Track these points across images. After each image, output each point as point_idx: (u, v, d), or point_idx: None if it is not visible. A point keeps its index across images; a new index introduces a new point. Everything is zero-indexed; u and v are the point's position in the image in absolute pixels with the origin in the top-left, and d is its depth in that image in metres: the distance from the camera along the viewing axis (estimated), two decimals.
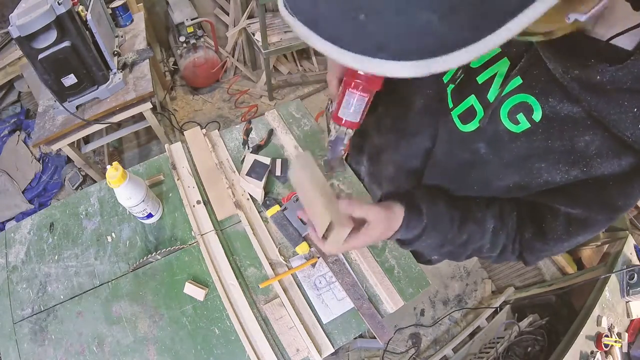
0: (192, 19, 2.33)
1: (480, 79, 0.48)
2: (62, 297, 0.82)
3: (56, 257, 0.88)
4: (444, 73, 0.53)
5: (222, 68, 2.63)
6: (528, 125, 0.44)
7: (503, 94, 0.45)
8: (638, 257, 1.40)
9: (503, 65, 0.45)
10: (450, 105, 0.53)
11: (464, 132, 0.52)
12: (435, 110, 0.57)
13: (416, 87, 0.59)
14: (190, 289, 0.80)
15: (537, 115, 0.43)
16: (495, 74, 0.46)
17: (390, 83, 0.64)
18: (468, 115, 0.51)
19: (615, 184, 0.43)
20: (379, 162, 0.77)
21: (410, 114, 0.62)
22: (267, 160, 0.96)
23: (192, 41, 2.38)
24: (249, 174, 0.94)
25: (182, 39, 2.37)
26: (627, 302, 1.28)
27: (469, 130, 0.52)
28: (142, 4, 2.09)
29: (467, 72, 0.50)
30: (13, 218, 2.00)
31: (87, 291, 0.83)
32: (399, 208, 0.54)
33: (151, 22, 2.43)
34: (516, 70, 0.43)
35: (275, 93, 2.69)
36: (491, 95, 0.47)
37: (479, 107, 0.49)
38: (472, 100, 0.50)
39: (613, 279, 1.29)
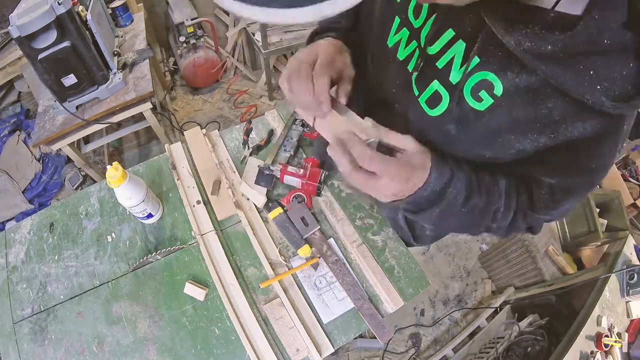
0: (192, 19, 2.33)
1: (440, 63, 0.49)
2: (62, 297, 0.82)
3: (56, 257, 0.88)
4: (409, 62, 0.54)
5: (222, 68, 2.63)
6: (491, 101, 0.46)
7: (465, 74, 0.46)
8: (638, 257, 1.40)
9: (459, 48, 0.46)
10: (416, 92, 0.54)
11: (432, 116, 0.53)
12: (405, 99, 0.58)
13: (387, 77, 0.60)
14: (190, 289, 0.80)
15: (499, 90, 0.44)
16: (453, 57, 0.47)
17: (365, 75, 0.65)
18: (434, 100, 0.52)
19: (585, 147, 0.44)
20: None
21: (384, 104, 0.63)
22: (270, 166, 0.94)
23: (192, 41, 2.38)
24: (257, 182, 0.94)
25: (182, 39, 2.37)
26: (627, 302, 1.28)
27: (437, 114, 0.53)
28: (142, 4, 2.09)
29: (426, 59, 0.51)
30: (13, 218, 2.00)
31: (87, 291, 0.83)
32: (425, 149, 0.51)
33: (151, 22, 2.43)
34: (474, 50, 0.44)
35: (275, 93, 2.69)
36: (453, 78, 0.48)
37: (443, 91, 0.50)
38: (435, 85, 0.51)
39: (613, 279, 1.29)
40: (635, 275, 1.26)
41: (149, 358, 0.75)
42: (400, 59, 0.56)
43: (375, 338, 0.78)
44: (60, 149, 1.63)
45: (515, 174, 0.56)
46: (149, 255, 0.84)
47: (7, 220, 2.00)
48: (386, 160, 0.46)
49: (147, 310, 0.80)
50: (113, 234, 0.90)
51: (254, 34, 2.36)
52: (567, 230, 2.05)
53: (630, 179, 2.22)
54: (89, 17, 1.39)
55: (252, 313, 0.78)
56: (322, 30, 0.69)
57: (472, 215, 0.55)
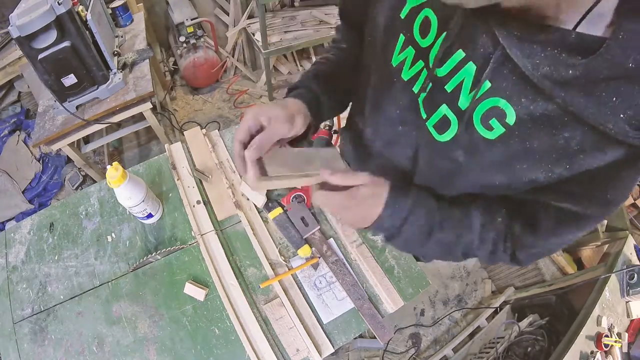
0: (192, 19, 2.33)
1: (449, 87, 0.46)
2: (62, 297, 0.82)
3: (56, 257, 0.88)
4: (414, 83, 0.52)
5: (222, 68, 2.63)
6: (503, 130, 0.43)
7: (475, 100, 0.44)
8: (638, 257, 1.40)
9: (469, 70, 0.43)
10: (424, 115, 0.52)
11: (440, 142, 0.51)
12: (411, 121, 0.56)
13: (391, 97, 0.58)
14: (190, 289, 0.80)
15: (511, 119, 0.41)
16: (462, 80, 0.44)
17: (370, 95, 0.63)
18: (443, 125, 0.50)
19: (602, 176, 0.41)
20: (367, 168, 0.77)
21: (388, 124, 0.61)
22: None
23: (192, 41, 2.38)
24: None
25: (182, 39, 2.37)
26: (627, 302, 1.28)
27: (445, 140, 0.50)
28: (142, 4, 2.09)
29: (434, 82, 0.48)
30: (13, 218, 2.00)
31: (87, 291, 0.83)
32: (385, 182, 0.54)
33: (151, 22, 2.43)
34: (485, 74, 0.41)
35: (275, 93, 2.69)
36: (462, 103, 0.46)
37: (452, 117, 0.48)
38: (444, 109, 0.48)
39: (613, 279, 1.29)
40: (635, 275, 1.26)
41: (149, 358, 0.75)
42: (405, 80, 0.53)
43: (375, 338, 0.78)
44: (60, 149, 1.63)
45: (517, 199, 0.54)
46: (149, 255, 0.84)
47: (7, 220, 2.00)
48: (335, 196, 0.52)
49: (147, 310, 0.80)
50: (113, 234, 0.90)
51: (254, 34, 2.36)
52: None
53: None
54: (89, 17, 1.39)
55: (252, 313, 0.78)
56: (298, 85, 0.66)
57: (440, 247, 0.57)
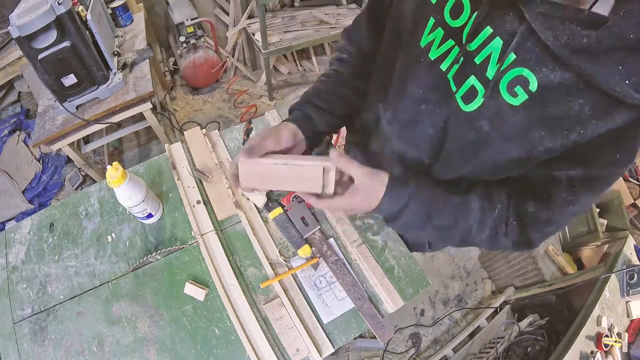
0: (192, 19, 2.33)
1: (478, 59, 0.51)
2: (62, 297, 0.82)
3: (56, 257, 0.88)
4: (442, 61, 0.56)
5: (222, 68, 2.63)
6: (526, 96, 0.47)
7: (501, 71, 0.48)
8: (638, 257, 1.40)
9: (497, 44, 0.48)
10: (454, 88, 0.56)
11: (467, 111, 0.55)
12: (436, 100, 0.60)
13: (416, 77, 0.61)
14: (190, 289, 0.80)
15: (534, 86, 0.46)
16: (490, 54, 0.49)
17: (395, 79, 0.66)
18: (470, 95, 0.54)
19: (611, 139, 0.46)
20: (383, 154, 0.80)
21: (409, 104, 0.64)
22: None
23: (192, 41, 2.38)
24: None
25: (182, 39, 2.37)
26: (627, 302, 1.28)
27: (471, 109, 0.54)
28: (142, 4, 2.09)
29: (465, 56, 0.53)
30: (13, 218, 2.00)
31: (87, 291, 0.83)
32: (384, 174, 0.60)
33: (151, 22, 2.43)
34: (511, 46, 0.46)
35: (275, 93, 2.69)
36: (490, 73, 0.50)
37: (479, 86, 0.52)
38: (472, 80, 0.53)
39: (613, 279, 1.29)
40: (635, 275, 1.26)
41: (149, 358, 0.75)
42: (432, 59, 0.57)
43: (375, 338, 0.78)
44: (60, 149, 1.63)
45: (524, 179, 0.58)
46: (149, 255, 0.84)
47: (7, 220, 2.00)
48: (338, 199, 0.60)
49: (147, 310, 0.80)
50: (113, 234, 0.90)
51: (254, 34, 2.36)
52: (567, 230, 2.05)
53: (630, 179, 2.22)
54: (89, 17, 1.39)
55: (252, 313, 0.78)
56: (294, 107, 0.76)
57: (438, 232, 0.63)
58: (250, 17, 2.50)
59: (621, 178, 2.19)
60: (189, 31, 2.35)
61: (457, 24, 0.53)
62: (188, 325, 0.79)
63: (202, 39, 2.44)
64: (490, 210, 0.60)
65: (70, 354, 0.76)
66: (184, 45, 2.40)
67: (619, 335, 1.19)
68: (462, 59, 0.53)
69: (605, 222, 1.91)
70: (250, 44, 2.69)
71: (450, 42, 0.54)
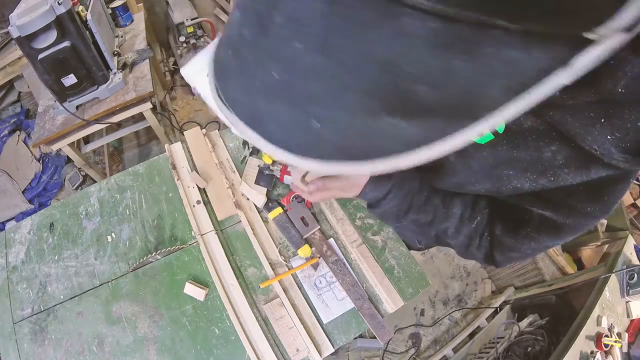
0: (192, 19, 2.33)
1: None
2: (62, 297, 0.82)
3: (56, 257, 0.88)
4: None
5: None
6: (492, 136, 0.44)
7: None
8: (638, 257, 1.40)
9: None
10: None
11: None
12: None
13: None
14: (190, 289, 0.80)
15: (501, 127, 0.43)
16: None
17: None
18: None
19: (586, 192, 0.42)
20: None
21: None
22: (269, 166, 0.95)
23: (192, 41, 2.38)
24: (257, 182, 0.94)
25: (182, 39, 2.37)
26: (627, 302, 1.28)
27: None
28: (142, 4, 2.09)
29: None
30: (13, 218, 2.00)
31: (87, 291, 0.83)
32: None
33: (151, 22, 2.42)
34: None
35: None
36: None
37: None
38: None
39: (613, 279, 1.29)
40: (635, 275, 1.26)
41: (149, 358, 0.75)
42: None
43: (375, 338, 0.78)
44: (60, 149, 1.63)
45: (502, 202, 0.56)
46: (149, 255, 0.84)
47: (7, 220, 2.00)
48: (327, 182, 0.61)
49: (147, 310, 0.80)
50: (113, 234, 0.90)
51: None
52: None
53: None
54: (89, 17, 1.39)
55: (252, 313, 0.78)
56: None
57: (415, 226, 0.64)
58: None
59: None
60: (189, 31, 2.34)
61: None
62: (188, 325, 0.79)
63: (202, 39, 2.44)
64: (470, 220, 0.58)
65: (70, 354, 0.76)
66: (184, 45, 2.40)
67: (619, 335, 1.18)
68: None
69: (605, 222, 1.91)
70: None
71: None
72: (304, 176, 0.63)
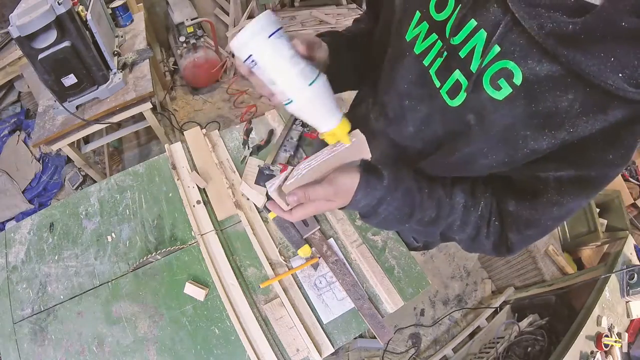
0: (192, 19, 2.33)
1: (462, 53, 0.49)
2: (62, 297, 0.82)
3: (56, 257, 0.88)
4: (425, 56, 0.55)
5: (222, 68, 2.63)
6: (510, 90, 0.45)
7: (484, 64, 0.46)
8: (638, 257, 1.40)
9: (481, 37, 0.46)
10: (438, 84, 0.54)
11: (453, 106, 0.53)
12: (418, 96, 0.58)
13: (402, 71, 0.60)
14: (190, 289, 0.80)
15: (518, 79, 0.43)
16: (474, 46, 0.47)
17: (383, 72, 0.66)
18: (455, 90, 0.52)
19: (603, 138, 0.43)
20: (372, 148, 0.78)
21: (396, 99, 0.63)
22: (269, 166, 0.95)
23: (192, 41, 2.38)
24: (257, 182, 0.94)
25: (182, 39, 2.37)
26: (627, 302, 1.28)
27: (457, 104, 0.52)
28: (142, 4, 2.09)
29: (449, 49, 0.51)
30: (13, 218, 2.00)
31: (87, 291, 0.83)
32: (354, 169, 0.56)
33: (151, 22, 2.42)
34: (494, 39, 0.44)
35: None
36: (474, 67, 0.48)
37: (463, 80, 0.50)
38: (457, 74, 0.51)
39: (613, 279, 1.29)
40: (635, 275, 1.26)
41: (149, 358, 0.75)
42: (416, 53, 0.56)
43: (375, 338, 0.78)
44: (60, 149, 1.63)
45: (507, 177, 0.56)
46: (149, 255, 0.84)
47: (7, 220, 2.00)
48: (310, 190, 0.54)
49: (147, 310, 0.80)
50: (113, 234, 0.90)
51: None
52: (567, 230, 2.05)
53: (630, 179, 2.22)
54: (89, 17, 1.39)
55: (252, 313, 0.78)
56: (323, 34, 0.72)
57: (420, 226, 0.60)
58: (250, 17, 2.50)
59: (621, 178, 2.19)
60: (189, 31, 2.34)
61: (441, 17, 0.51)
62: (188, 325, 0.79)
63: (202, 39, 2.44)
64: (474, 208, 0.58)
65: (70, 354, 0.76)
66: (184, 45, 2.40)
67: (619, 335, 1.19)
68: (445, 53, 0.52)
69: (605, 222, 1.91)
70: None
71: (434, 37, 0.53)
72: (280, 187, 0.54)
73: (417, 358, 1.76)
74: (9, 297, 0.83)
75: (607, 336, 1.15)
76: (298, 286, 0.83)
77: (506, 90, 0.45)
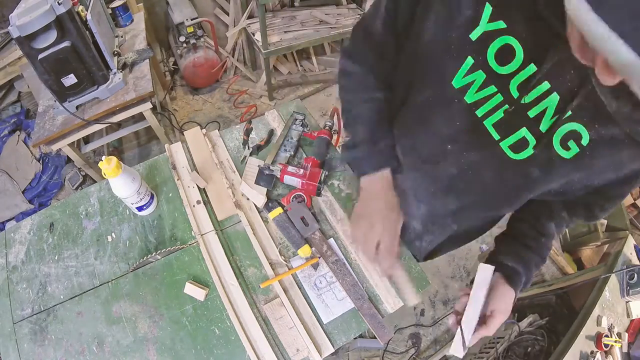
0: (192, 19, 2.33)
1: (532, 113, 0.50)
2: (62, 297, 0.82)
3: (56, 257, 0.88)
4: (479, 106, 0.54)
5: (222, 68, 2.63)
6: (577, 150, 0.49)
7: (555, 125, 0.49)
8: (638, 257, 1.40)
9: (553, 100, 0.48)
10: (497, 137, 0.55)
11: (515, 159, 0.55)
12: (466, 142, 0.58)
13: (447, 116, 0.58)
14: (190, 289, 0.80)
15: (585, 140, 0.48)
16: (546, 109, 0.49)
17: (416, 110, 0.64)
18: (520, 146, 0.54)
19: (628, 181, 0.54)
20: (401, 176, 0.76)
21: (433, 140, 0.62)
22: (269, 166, 0.95)
23: (192, 41, 2.38)
24: (257, 182, 0.94)
25: (182, 39, 2.37)
26: (627, 302, 1.28)
27: (521, 158, 0.55)
28: (142, 4, 2.09)
29: (516, 108, 0.51)
30: (13, 218, 2.00)
31: (87, 291, 0.83)
32: (502, 282, 0.65)
33: (151, 22, 2.42)
34: (572, 105, 0.46)
35: (275, 93, 2.69)
36: (543, 127, 0.50)
37: (531, 138, 0.52)
38: (523, 132, 0.52)
39: (613, 279, 1.29)
40: (635, 275, 1.26)
41: (149, 358, 0.75)
42: (467, 102, 0.54)
43: (375, 338, 0.78)
44: (60, 149, 1.63)
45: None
46: (149, 255, 0.84)
47: (7, 220, 2.00)
48: (491, 326, 0.64)
49: (147, 310, 0.80)
50: (113, 234, 0.90)
51: (254, 34, 2.36)
52: (567, 230, 2.05)
53: None
54: (89, 17, 1.39)
55: (252, 313, 0.78)
56: (376, 139, 0.69)
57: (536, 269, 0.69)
58: (250, 17, 2.50)
59: None
60: (189, 31, 2.34)
61: (504, 71, 0.49)
62: (188, 325, 0.79)
63: (202, 39, 2.44)
64: (559, 228, 0.70)
65: (70, 354, 0.76)
66: (184, 45, 2.40)
67: (619, 335, 1.18)
68: (510, 108, 0.51)
69: (605, 222, 1.91)
70: (250, 44, 2.69)
71: (492, 89, 0.51)
72: (465, 346, 0.62)
73: (417, 358, 1.76)
74: (9, 297, 0.83)
75: (607, 336, 1.15)
76: (298, 286, 0.83)
77: (574, 150, 0.50)
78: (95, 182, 2.03)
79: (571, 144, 0.49)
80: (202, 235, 0.87)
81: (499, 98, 0.51)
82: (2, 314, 0.81)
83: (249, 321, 0.78)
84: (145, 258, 0.84)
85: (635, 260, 1.37)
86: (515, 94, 0.50)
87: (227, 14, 2.60)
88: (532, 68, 0.47)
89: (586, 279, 1.40)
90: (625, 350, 1.21)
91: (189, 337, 0.77)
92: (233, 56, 2.76)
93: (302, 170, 0.93)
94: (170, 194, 0.96)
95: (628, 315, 1.27)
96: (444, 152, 0.61)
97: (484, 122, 0.54)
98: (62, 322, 0.79)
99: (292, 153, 1.00)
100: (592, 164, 0.50)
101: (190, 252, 0.87)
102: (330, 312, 0.80)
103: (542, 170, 0.54)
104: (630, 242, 1.44)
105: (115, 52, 1.67)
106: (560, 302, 1.54)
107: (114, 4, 1.87)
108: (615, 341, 1.14)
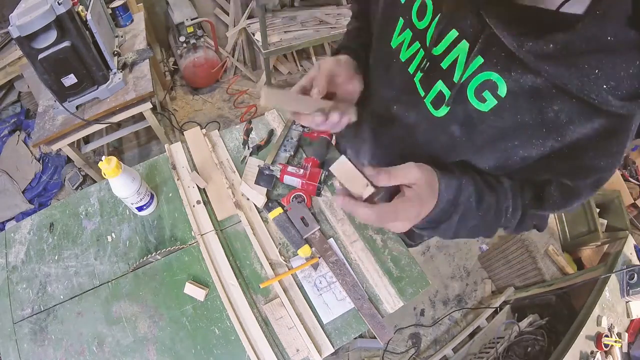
0: (192, 19, 2.33)
1: (444, 64, 0.49)
2: (62, 297, 0.82)
3: (56, 257, 0.88)
4: (410, 64, 0.54)
5: (222, 68, 2.63)
6: (495, 101, 0.44)
7: (467, 75, 0.46)
8: (638, 257, 1.40)
9: (463, 48, 0.45)
10: (422, 93, 0.54)
11: (437, 117, 0.53)
12: (406, 101, 0.58)
13: (388, 78, 0.60)
14: (190, 289, 0.80)
15: (503, 91, 0.43)
16: (457, 57, 0.47)
17: (368, 76, 0.66)
18: (438, 100, 0.52)
19: (592, 146, 0.43)
20: (360, 153, 0.79)
21: (383, 105, 0.63)
22: (269, 166, 0.95)
23: (192, 41, 2.38)
24: (257, 182, 0.94)
25: (182, 39, 2.37)
26: (627, 302, 1.28)
27: (441, 114, 0.52)
28: (142, 4, 2.09)
29: (431, 60, 0.50)
30: (13, 218, 2.00)
31: (87, 291, 0.83)
32: (432, 169, 0.51)
33: (151, 22, 2.43)
34: (475, 50, 0.43)
35: None
36: (456, 78, 0.48)
37: (446, 91, 0.50)
38: (439, 85, 0.51)
39: (613, 279, 1.29)
40: (635, 275, 1.26)
41: (149, 358, 0.75)
42: (402, 60, 0.56)
43: (375, 338, 0.78)
44: (60, 149, 1.63)
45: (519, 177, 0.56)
46: (149, 255, 0.84)
47: (7, 220, 2.00)
48: (393, 211, 0.47)
49: (147, 310, 0.80)
50: (113, 234, 0.90)
51: (254, 34, 2.36)
52: (567, 230, 2.05)
53: (630, 179, 2.22)
54: (89, 17, 1.39)
55: (252, 313, 0.78)
56: (339, 48, 0.72)
57: (489, 215, 0.54)
58: (250, 17, 2.50)
59: (621, 178, 2.19)
60: (189, 31, 2.35)
61: (421, 25, 0.50)
62: (188, 325, 0.79)
63: (202, 39, 2.44)
64: (517, 192, 0.55)
65: (70, 354, 0.76)
66: (184, 45, 2.40)
67: (619, 335, 1.19)
68: (428, 63, 0.51)
69: (605, 222, 1.91)
70: (250, 44, 2.69)
71: (417, 45, 0.52)
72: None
73: (417, 358, 1.76)
74: (9, 297, 0.83)
75: (607, 336, 1.16)
76: (298, 286, 0.83)
77: (491, 102, 0.45)
78: (95, 182, 2.03)
79: (487, 94, 0.44)
80: (202, 235, 0.87)
81: (421, 53, 0.52)
82: (2, 314, 0.81)
83: (248, 321, 0.78)
84: (145, 258, 0.84)
85: (635, 260, 1.37)
86: (428, 45, 0.50)
87: (227, 14, 2.60)
88: (438, 18, 0.47)
89: (586, 279, 1.40)
90: (625, 350, 1.21)
91: (188, 337, 0.77)
92: (233, 56, 2.76)
93: (302, 171, 0.93)
94: (170, 194, 0.96)
95: (628, 315, 1.27)
96: (391, 115, 0.62)
97: (414, 79, 0.54)
98: (62, 322, 0.79)
99: (292, 153, 1.00)
100: (517, 121, 0.44)
101: (190, 252, 0.87)
102: (330, 312, 0.80)
103: (462, 128, 0.50)
104: (630, 242, 1.45)
105: (115, 52, 1.67)
106: (560, 302, 1.55)
107: (114, 4, 1.87)
108: (615, 341, 1.15)
